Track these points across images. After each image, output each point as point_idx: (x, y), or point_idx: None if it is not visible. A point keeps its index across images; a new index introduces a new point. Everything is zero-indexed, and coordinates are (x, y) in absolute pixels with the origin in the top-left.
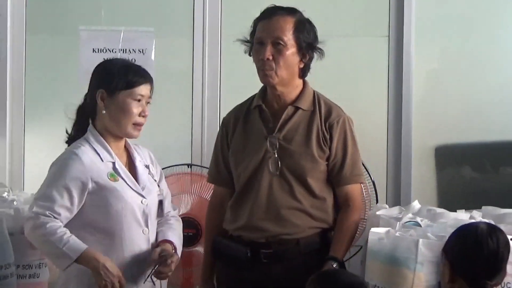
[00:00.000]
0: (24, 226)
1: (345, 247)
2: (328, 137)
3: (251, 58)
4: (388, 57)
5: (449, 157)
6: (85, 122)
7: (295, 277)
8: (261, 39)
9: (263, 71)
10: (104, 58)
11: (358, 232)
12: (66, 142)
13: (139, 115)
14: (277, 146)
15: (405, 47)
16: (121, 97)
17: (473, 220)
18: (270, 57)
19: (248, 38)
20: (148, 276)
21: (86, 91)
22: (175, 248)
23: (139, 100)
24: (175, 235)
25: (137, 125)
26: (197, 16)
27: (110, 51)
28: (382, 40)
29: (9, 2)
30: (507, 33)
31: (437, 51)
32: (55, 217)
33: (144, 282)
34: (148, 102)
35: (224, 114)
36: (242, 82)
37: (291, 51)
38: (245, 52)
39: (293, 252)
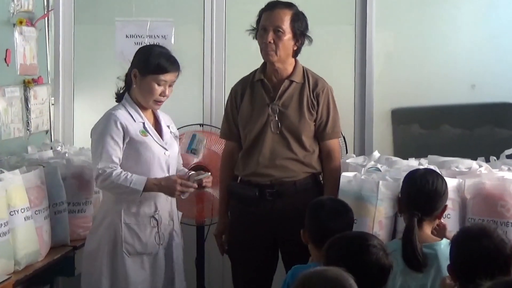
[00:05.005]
0: (95, 182)
1: (336, 188)
2: (315, 103)
3: (248, 43)
4: (354, 41)
5: (402, 118)
6: (128, 87)
7: (292, 210)
8: (265, 27)
9: (266, 51)
10: (134, 43)
11: None
12: (116, 100)
13: (160, 95)
14: (277, 111)
15: (367, 34)
16: (149, 79)
17: (421, 166)
18: (272, 41)
19: (255, 26)
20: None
21: (120, 67)
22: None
23: (162, 84)
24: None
25: (157, 102)
26: (206, 10)
27: (139, 37)
28: (350, 27)
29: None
30: (447, 23)
31: (392, 36)
32: (115, 167)
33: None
34: (171, 85)
35: (227, 85)
36: (241, 60)
37: (287, 36)
38: (253, 38)
39: (291, 190)
